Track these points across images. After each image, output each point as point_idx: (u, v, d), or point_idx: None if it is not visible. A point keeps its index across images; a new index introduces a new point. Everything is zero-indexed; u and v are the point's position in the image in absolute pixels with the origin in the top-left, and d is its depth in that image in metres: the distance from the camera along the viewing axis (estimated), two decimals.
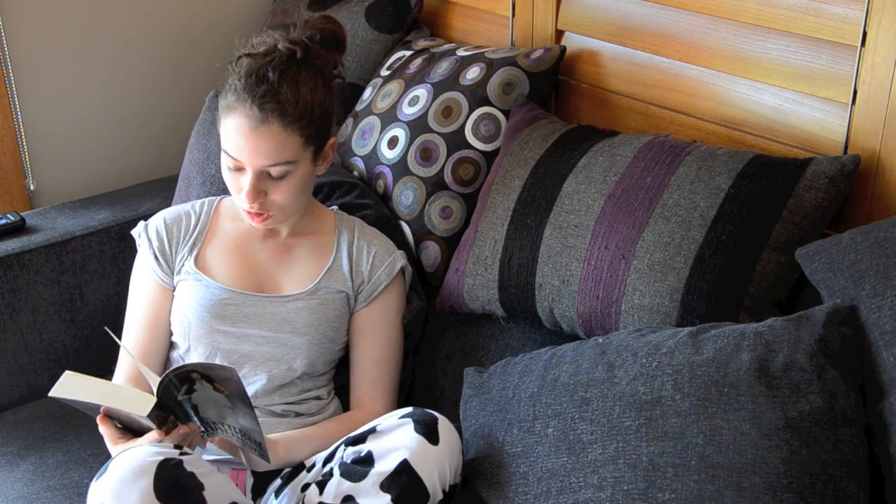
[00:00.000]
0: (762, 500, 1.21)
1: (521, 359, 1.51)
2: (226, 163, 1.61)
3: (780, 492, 1.20)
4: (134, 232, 1.77)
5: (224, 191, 1.92)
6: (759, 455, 1.22)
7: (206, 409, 1.44)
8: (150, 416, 1.40)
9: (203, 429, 1.47)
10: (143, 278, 1.74)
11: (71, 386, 1.41)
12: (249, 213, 1.63)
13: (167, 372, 1.39)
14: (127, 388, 1.46)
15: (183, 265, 1.71)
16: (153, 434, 1.41)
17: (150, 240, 1.73)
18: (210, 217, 1.75)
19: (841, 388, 1.27)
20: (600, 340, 1.44)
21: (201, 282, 1.68)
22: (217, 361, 1.65)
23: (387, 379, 1.72)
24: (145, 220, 1.78)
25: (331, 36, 1.68)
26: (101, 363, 2.01)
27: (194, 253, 1.71)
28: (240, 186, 1.61)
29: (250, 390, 1.64)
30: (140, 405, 1.40)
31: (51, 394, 1.41)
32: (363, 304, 1.72)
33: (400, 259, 1.75)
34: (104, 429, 1.48)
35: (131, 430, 1.48)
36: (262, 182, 1.59)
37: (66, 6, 2.14)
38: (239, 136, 1.57)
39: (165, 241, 1.72)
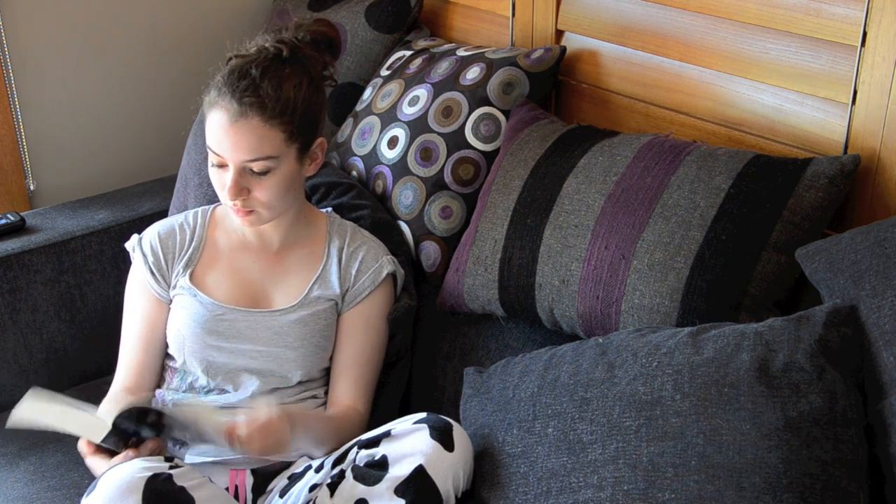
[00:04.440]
0: (762, 500, 1.20)
1: (522, 359, 1.51)
2: (210, 159, 1.61)
3: (780, 492, 1.20)
4: (128, 245, 1.76)
5: None
6: (759, 455, 1.22)
7: (174, 429, 1.43)
8: (105, 441, 1.39)
9: (176, 444, 1.46)
10: (139, 292, 1.73)
11: (30, 410, 1.39)
12: (234, 209, 1.62)
13: (122, 410, 1.39)
14: (84, 414, 1.43)
15: (178, 280, 1.70)
16: (130, 453, 1.42)
17: (144, 255, 1.72)
18: (205, 230, 1.74)
19: (841, 388, 1.27)
20: (600, 340, 1.44)
21: (196, 297, 1.68)
22: (212, 375, 1.66)
23: (366, 380, 1.71)
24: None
25: (323, 38, 1.68)
26: (101, 363, 2.02)
27: (190, 268, 1.71)
28: (223, 183, 1.60)
29: (246, 393, 1.65)
30: (95, 432, 1.39)
31: (9, 424, 1.40)
32: (348, 307, 1.71)
33: (387, 265, 1.73)
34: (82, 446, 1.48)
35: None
36: (245, 178, 1.58)
37: (67, 7, 2.14)
38: (220, 131, 1.57)
39: (161, 257, 1.71)
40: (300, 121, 1.60)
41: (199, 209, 1.78)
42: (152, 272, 1.71)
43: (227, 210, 1.70)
